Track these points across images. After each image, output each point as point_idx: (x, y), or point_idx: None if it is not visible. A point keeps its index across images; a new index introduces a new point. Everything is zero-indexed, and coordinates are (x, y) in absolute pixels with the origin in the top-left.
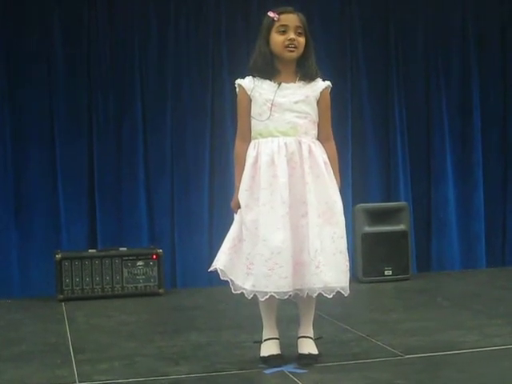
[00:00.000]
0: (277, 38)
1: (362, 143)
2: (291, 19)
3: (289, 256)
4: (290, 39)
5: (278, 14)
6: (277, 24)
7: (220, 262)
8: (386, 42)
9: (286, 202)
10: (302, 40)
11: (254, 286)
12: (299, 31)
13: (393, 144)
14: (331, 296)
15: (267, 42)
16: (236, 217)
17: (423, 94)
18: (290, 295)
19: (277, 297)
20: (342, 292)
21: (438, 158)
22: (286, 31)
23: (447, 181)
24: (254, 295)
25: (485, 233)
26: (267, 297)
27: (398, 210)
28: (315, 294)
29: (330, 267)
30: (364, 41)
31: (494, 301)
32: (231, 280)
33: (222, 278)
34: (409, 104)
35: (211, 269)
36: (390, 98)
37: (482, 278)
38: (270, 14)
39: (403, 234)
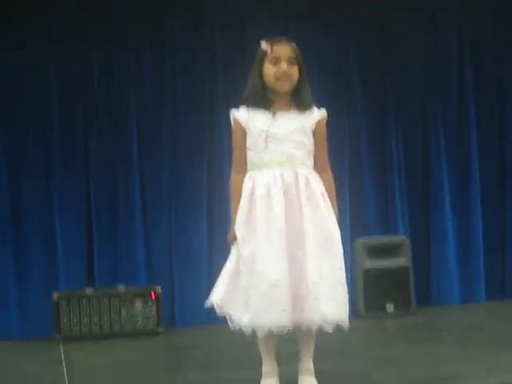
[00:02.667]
0: (269, 70)
1: (360, 177)
2: (284, 50)
3: (287, 289)
4: (283, 71)
5: (271, 44)
6: (269, 55)
7: (217, 297)
8: (382, 77)
9: (283, 234)
10: (294, 71)
11: (251, 321)
12: (292, 62)
13: (390, 177)
14: (331, 329)
15: (260, 73)
16: (232, 249)
17: (420, 129)
18: (289, 330)
19: (275, 331)
20: (342, 325)
21: (436, 192)
22: (279, 62)
23: (445, 214)
24: (253, 330)
25: (484, 266)
26: (266, 332)
27: (398, 245)
28: (315, 327)
29: (329, 299)
30: (360, 76)
31: (496, 334)
32: (229, 315)
33: (218, 314)
34: (406, 139)
35: (208, 304)
36: (387, 133)
37: (483, 311)
38: (263, 45)
39: (404, 269)
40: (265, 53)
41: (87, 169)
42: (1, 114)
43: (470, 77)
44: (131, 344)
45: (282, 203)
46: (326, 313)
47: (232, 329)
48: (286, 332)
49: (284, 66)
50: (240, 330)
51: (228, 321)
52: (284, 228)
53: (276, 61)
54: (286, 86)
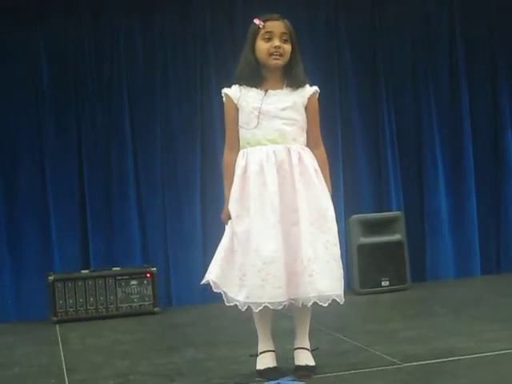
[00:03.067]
0: (262, 46)
1: (353, 154)
2: (276, 26)
3: (282, 265)
4: (275, 46)
5: (264, 21)
6: (262, 31)
7: (212, 274)
8: (373, 51)
9: (277, 211)
10: (287, 47)
11: (247, 297)
12: (285, 38)
13: (383, 154)
14: (326, 304)
15: (253, 49)
16: (227, 228)
17: (412, 103)
18: (285, 305)
19: (271, 307)
20: (338, 300)
21: (430, 167)
22: (271, 38)
23: (439, 189)
24: (249, 307)
25: (479, 240)
26: (261, 308)
27: (392, 220)
28: (310, 303)
29: (324, 275)
30: (351, 51)
31: (491, 307)
32: (224, 292)
33: (214, 290)
34: (398, 113)
35: (204, 281)
36: (380, 108)
37: (478, 285)
38: (256, 21)
39: (399, 244)
40: (257, 29)
41: (80, 151)
42: None
43: (462, 52)
44: (127, 324)
45: (276, 180)
46: (321, 289)
47: (227, 305)
48: (281, 308)
49: (277, 41)
50: (235, 307)
51: (223, 297)
52: (278, 205)
53: (269, 36)
54: (278, 62)
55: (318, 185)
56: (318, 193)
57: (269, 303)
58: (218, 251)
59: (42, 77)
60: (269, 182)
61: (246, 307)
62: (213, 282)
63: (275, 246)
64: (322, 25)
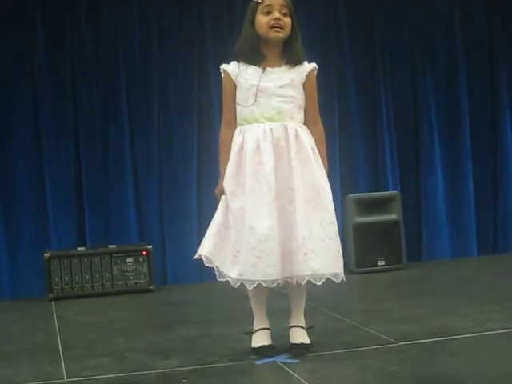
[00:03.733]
0: (262, 19)
1: (350, 133)
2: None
3: (276, 243)
4: (276, 18)
5: None
6: (261, 5)
7: (205, 249)
8: (371, 30)
9: (273, 189)
10: (287, 20)
11: (240, 274)
12: (284, 11)
13: (380, 134)
14: (320, 283)
15: (252, 25)
16: (220, 203)
17: (410, 83)
18: (279, 283)
19: (264, 285)
20: (333, 279)
21: (426, 147)
22: (271, 11)
23: (436, 170)
24: (241, 284)
25: (475, 221)
26: (254, 285)
27: (389, 200)
28: (304, 281)
29: (319, 254)
30: (349, 29)
31: (486, 287)
32: (216, 267)
33: (206, 265)
34: (395, 93)
35: (196, 256)
36: (377, 88)
37: (474, 265)
38: None
39: (395, 223)
40: (256, 4)
41: (77, 130)
42: None
43: (461, 34)
44: (123, 301)
45: (272, 158)
46: (315, 267)
47: (219, 280)
48: (274, 286)
49: (276, 13)
50: (227, 282)
51: (215, 272)
52: (274, 183)
53: (268, 10)
54: (279, 34)
55: (314, 163)
56: (315, 171)
57: (262, 281)
58: (210, 226)
59: (39, 52)
60: (265, 160)
61: (238, 284)
62: (205, 256)
63: (270, 223)
64: (319, 3)
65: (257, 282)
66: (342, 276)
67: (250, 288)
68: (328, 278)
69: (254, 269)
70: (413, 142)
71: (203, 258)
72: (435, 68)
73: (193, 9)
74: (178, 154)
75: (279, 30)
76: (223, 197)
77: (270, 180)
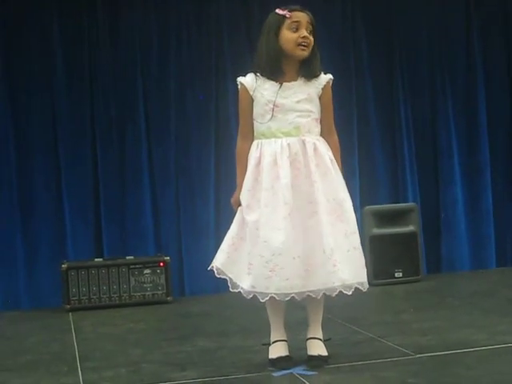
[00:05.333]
0: (289, 35)
1: (369, 146)
2: (303, 16)
3: (290, 258)
4: (304, 37)
5: (289, 11)
6: (288, 21)
7: (218, 261)
8: (389, 44)
9: (289, 203)
10: (312, 39)
11: (253, 286)
12: (310, 29)
13: (399, 146)
14: (350, 293)
15: (276, 40)
16: (237, 215)
17: (428, 95)
18: (294, 297)
19: (277, 298)
20: (361, 288)
21: (446, 159)
22: (299, 28)
23: (455, 182)
24: (254, 296)
25: (494, 233)
26: (267, 298)
27: (406, 212)
28: (335, 293)
29: (346, 264)
30: (367, 43)
31: (504, 299)
32: (229, 278)
33: (217, 276)
34: (414, 105)
35: (209, 267)
36: (395, 100)
37: (493, 277)
38: (279, 11)
39: (413, 235)
40: (283, 19)
41: (94, 140)
42: (6, 67)
43: (479, 48)
44: (140, 313)
45: (289, 173)
46: (345, 278)
47: (231, 290)
48: (287, 300)
49: (304, 31)
50: (240, 293)
51: (228, 283)
52: (290, 197)
53: (296, 26)
54: (305, 53)
55: (334, 175)
56: (335, 183)
57: (275, 294)
58: (225, 238)
59: (56, 61)
60: (281, 175)
61: (250, 296)
62: (216, 267)
63: (284, 237)
64: (338, 10)
65: (270, 295)
66: (367, 285)
67: (263, 300)
68: (356, 288)
69: (267, 282)
70: (432, 154)
71: (215, 270)
72: (454, 80)
73: (210, 19)
74: (195, 164)
75: (305, 48)
76: (239, 209)
77: (287, 195)
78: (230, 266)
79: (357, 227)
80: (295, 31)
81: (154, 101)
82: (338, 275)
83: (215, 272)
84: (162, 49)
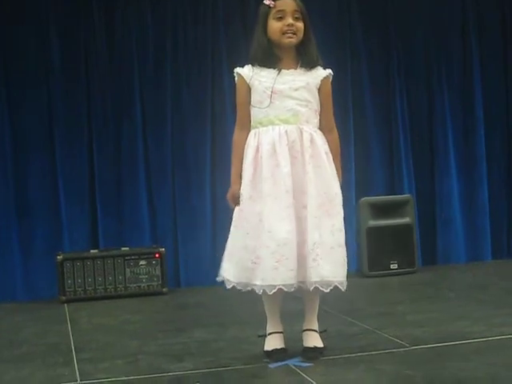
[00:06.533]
0: (274, 25)
1: (365, 137)
2: (288, 4)
3: (294, 248)
4: (288, 25)
5: (274, 0)
6: (273, 10)
7: (227, 273)
8: (385, 34)
9: (290, 192)
10: (300, 25)
11: (263, 279)
12: (297, 16)
13: (395, 137)
14: (328, 290)
15: (265, 30)
16: (234, 213)
17: (425, 87)
18: (295, 288)
19: (285, 289)
20: (340, 287)
21: (442, 152)
22: (284, 17)
23: (451, 174)
24: (263, 290)
25: (490, 226)
26: (275, 290)
27: (402, 203)
28: (312, 288)
29: (327, 260)
30: (363, 33)
31: (500, 292)
32: (242, 284)
33: (228, 288)
34: (410, 97)
35: (219, 278)
36: (392, 92)
37: (488, 270)
38: (266, 1)
39: (408, 227)
40: (268, 9)
41: (90, 132)
42: (2, 64)
43: (476, 40)
44: (136, 304)
45: (288, 160)
46: (324, 274)
47: (244, 291)
48: (293, 290)
49: (289, 19)
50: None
51: (237, 287)
52: (291, 185)
53: (281, 15)
54: (292, 40)
55: (328, 168)
56: (328, 177)
57: (283, 285)
58: (228, 244)
59: (53, 58)
60: (282, 163)
61: (262, 290)
62: (227, 279)
63: (289, 227)
64: (334, 3)
65: (278, 287)
66: (346, 284)
67: (271, 293)
68: (335, 286)
69: (274, 273)
70: (428, 145)
71: (225, 282)
72: (450, 72)
73: (206, 13)
74: (191, 154)
75: (292, 35)
76: (237, 209)
77: (288, 183)
78: (240, 273)
79: (343, 224)
80: (280, 20)
81: (150, 94)
82: (316, 270)
83: (226, 284)
84: (158, 44)
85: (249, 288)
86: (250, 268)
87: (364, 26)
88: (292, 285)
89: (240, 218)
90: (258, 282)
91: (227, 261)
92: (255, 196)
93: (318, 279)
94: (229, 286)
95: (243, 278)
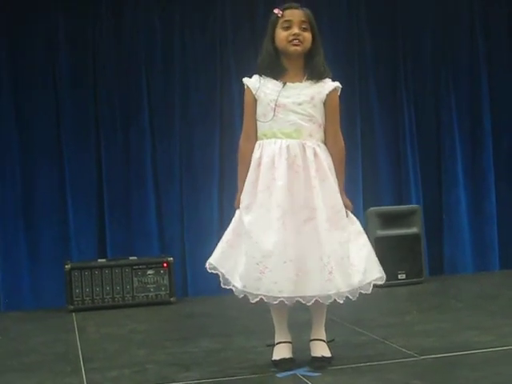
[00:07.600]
0: (281, 34)
1: (372, 147)
2: (296, 14)
3: (281, 261)
4: (294, 34)
5: (283, 10)
6: (281, 20)
7: (211, 257)
8: (393, 46)
9: (281, 206)
10: (307, 35)
11: (244, 286)
12: (304, 26)
13: (403, 147)
14: (342, 301)
15: (272, 39)
16: (236, 213)
17: (433, 98)
18: (283, 302)
19: (265, 300)
20: (350, 296)
21: (449, 162)
22: (291, 26)
23: (458, 184)
24: (245, 296)
25: (498, 236)
26: (257, 299)
27: (410, 213)
28: (329, 301)
29: (340, 272)
30: (372, 44)
31: (509, 302)
32: (221, 273)
33: (209, 271)
34: (418, 107)
35: (206, 265)
36: (399, 103)
37: (496, 280)
38: (275, 10)
39: (416, 237)
40: (276, 18)
41: (98, 139)
42: (10, 66)
43: (484, 51)
44: (143, 313)
45: (285, 175)
46: (339, 286)
47: (223, 287)
48: (276, 303)
49: (296, 29)
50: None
51: (220, 279)
52: (283, 200)
53: (288, 25)
54: (298, 48)
55: (332, 182)
56: (334, 190)
57: (264, 296)
58: (223, 235)
59: (61, 61)
60: (277, 177)
61: (242, 295)
62: (209, 263)
63: (275, 239)
64: (343, 13)
65: (260, 297)
66: (357, 293)
67: (253, 301)
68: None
69: (257, 283)
70: (436, 156)
71: (207, 265)
72: (458, 83)
73: (215, 18)
74: (199, 164)
75: (298, 43)
76: (238, 210)
77: (279, 197)
78: (222, 261)
79: (362, 228)
80: (287, 29)
81: (158, 100)
82: (333, 283)
83: (207, 267)
84: (166, 48)
85: (227, 286)
86: (236, 269)
87: (372, 39)
88: (275, 298)
89: (236, 220)
90: (238, 285)
91: (217, 247)
92: (251, 206)
93: (335, 291)
94: (210, 270)
95: (225, 270)
